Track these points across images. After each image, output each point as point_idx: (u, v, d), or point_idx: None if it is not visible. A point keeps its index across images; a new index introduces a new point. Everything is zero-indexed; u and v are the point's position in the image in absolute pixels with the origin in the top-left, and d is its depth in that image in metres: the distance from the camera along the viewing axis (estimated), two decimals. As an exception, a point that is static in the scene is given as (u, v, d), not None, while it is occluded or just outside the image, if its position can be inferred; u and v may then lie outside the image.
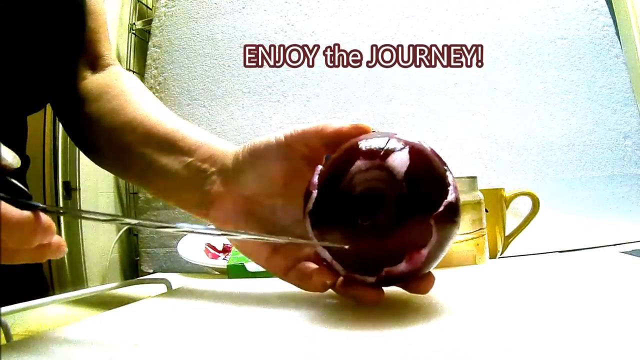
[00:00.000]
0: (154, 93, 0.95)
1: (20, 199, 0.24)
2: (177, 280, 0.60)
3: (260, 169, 0.37)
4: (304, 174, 0.34)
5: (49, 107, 0.94)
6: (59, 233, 0.95)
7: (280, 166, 0.36)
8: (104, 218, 0.27)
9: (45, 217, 0.26)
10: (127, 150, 0.43)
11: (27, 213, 0.25)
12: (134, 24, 1.09)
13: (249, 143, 0.39)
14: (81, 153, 0.93)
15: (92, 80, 0.49)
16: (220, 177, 0.39)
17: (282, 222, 0.37)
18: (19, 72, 0.44)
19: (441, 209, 0.26)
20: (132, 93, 0.46)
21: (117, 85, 0.47)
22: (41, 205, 0.25)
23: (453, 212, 0.27)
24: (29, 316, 0.41)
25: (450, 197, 0.27)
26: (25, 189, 0.25)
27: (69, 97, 0.49)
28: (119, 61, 1.08)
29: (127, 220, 0.27)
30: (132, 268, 1.03)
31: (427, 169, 0.28)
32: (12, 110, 0.47)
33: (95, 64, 0.51)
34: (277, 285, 0.46)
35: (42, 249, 0.27)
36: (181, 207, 0.43)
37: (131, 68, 1.07)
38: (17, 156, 0.26)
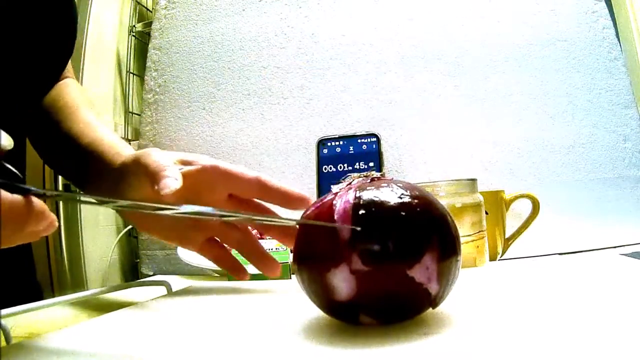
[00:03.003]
0: (153, 95, 0.95)
1: (12, 182, 0.24)
2: (177, 282, 0.60)
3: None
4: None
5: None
6: (59, 236, 0.95)
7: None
8: (97, 200, 0.27)
9: (38, 202, 0.25)
10: (67, 161, 0.50)
11: (19, 197, 0.24)
12: (134, 26, 1.10)
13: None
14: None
15: (49, 94, 0.53)
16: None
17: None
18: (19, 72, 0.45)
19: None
20: (71, 107, 0.52)
21: (62, 99, 0.52)
22: (34, 188, 0.24)
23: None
24: (29, 319, 0.41)
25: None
26: (18, 172, 0.25)
27: (35, 109, 0.53)
28: (119, 63, 1.09)
29: (120, 202, 0.26)
30: (132, 270, 1.03)
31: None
32: (11, 108, 0.48)
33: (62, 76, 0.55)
34: (277, 287, 0.46)
35: (34, 232, 0.26)
36: None
37: (131, 70, 1.07)
38: (10, 138, 0.26)
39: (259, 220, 0.37)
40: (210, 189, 0.41)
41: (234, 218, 0.30)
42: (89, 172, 0.47)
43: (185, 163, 0.41)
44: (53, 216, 0.27)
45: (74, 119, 0.50)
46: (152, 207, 0.26)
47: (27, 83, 0.48)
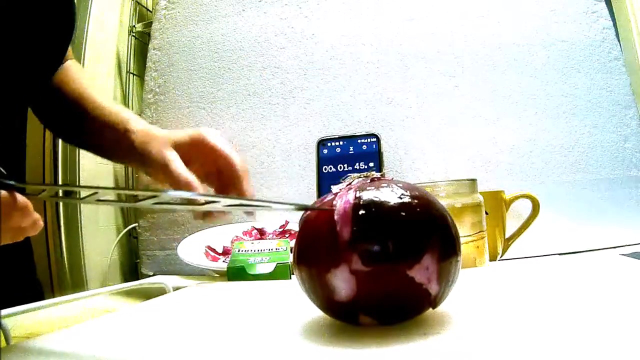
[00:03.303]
0: (154, 96, 0.95)
1: None
2: (177, 282, 0.60)
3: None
4: None
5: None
6: (59, 236, 0.95)
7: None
8: (85, 194, 0.26)
9: (22, 197, 0.25)
10: (82, 128, 0.55)
11: (3, 192, 0.24)
12: (134, 26, 1.10)
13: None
14: (81, 155, 0.94)
15: (60, 72, 0.58)
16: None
17: None
18: (19, 59, 0.46)
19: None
20: (83, 80, 0.58)
21: (77, 75, 0.58)
22: (15, 183, 0.24)
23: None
24: (29, 318, 0.41)
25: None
26: (2, 169, 0.25)
27: (45, 88, 0.57)
28: (119, 64, 1.09)
29: (102, 197, 0.26)
30: (132, 270, 1.03)
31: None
32: (12, 97, 0.48)
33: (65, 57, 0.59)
34: (278, 288, 0.46)
35: (20, 228, 0.26)
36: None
37: (131, 70, 1.07)
38: None
39: (252, 205, 0.37)
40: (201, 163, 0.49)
41: (227, 203, 0.30)
42: (104, 145, 0.54)
43: (184, 146, 0.48)
44: (37, 215, 0.27)
45: (85, 99, 0.55)
46: (142, 195, 0.26)
47: (27, 73, 0.48)
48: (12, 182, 0.24)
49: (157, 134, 0.49)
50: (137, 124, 0.51)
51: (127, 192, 0.28)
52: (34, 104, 0.60)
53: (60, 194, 0.28)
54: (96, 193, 0.26)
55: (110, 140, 0.52)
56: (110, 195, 0.28)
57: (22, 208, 0.26)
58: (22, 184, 0.25)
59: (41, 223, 0.28)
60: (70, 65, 0.60)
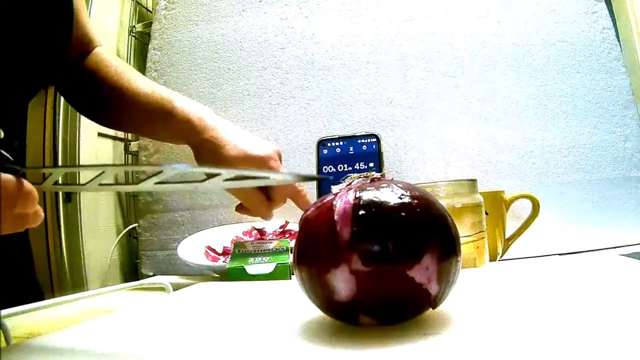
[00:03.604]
0: (154, 95, 0.95)
1: (2, 164, 0.24)
2: (177, 282, 0.60)
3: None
4: None
5: (49, 109, 0.94)
6: (59, 236, 0.95)
7: None
8: (90, 179, 0.26)
9: (27, 183, 0.26)
10: (125, 108, 0.59)
11: (10, 176, 0.24)
12: (134, 26, 1.10)
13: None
14: (81, 155, 0.94)
15: (91, 58, 0.62)
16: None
17: None
18: (17, 58, 0.46)
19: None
20: (119, 65, 0.63)
21: (111, 62, 0.62)
22: (21, 168, 0.25)
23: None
24: (29, 319, 0.41)
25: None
26: (5, 153, 0.25)
27: (75, 72, 0.60)
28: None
29: (113, 170, 0.26)
30: (132, 271, 1.03)
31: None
32: (11, 95, 0.48)
33: (90, 45, 0.62)
34: (277, 287, 0.46)
35: (22, 217, 0.27)
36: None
37: (131, 70, 1.07)
38: None
39: (253, 177, 0.36)
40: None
41: (227, 176, 0.29)
42: (149, 126, 0.62)
43: (243, 163, 0.57)
44: (39, 206, 0.27)
45: (124, 81, 0.60)
46: (147, 172, 0.26)
47: (26, 72, 0.48)
48: (18, 167, 0.25)
49: (222, 142, 0.57)
50: (185, 106, 0.59)
51: (132, 168, 0.28)
52: (67, 91, 0.63)
53: (60, 182, 0.28)
54: (103, 173, 0.26)
55: (156, 120, 0.57)
56: (114, 176, 0.29)
57: (27, 194, 0.26)
58: (25, 168, 0.25)
59: (42, 214, 0.28)
60: (102, 50, 0.63)
